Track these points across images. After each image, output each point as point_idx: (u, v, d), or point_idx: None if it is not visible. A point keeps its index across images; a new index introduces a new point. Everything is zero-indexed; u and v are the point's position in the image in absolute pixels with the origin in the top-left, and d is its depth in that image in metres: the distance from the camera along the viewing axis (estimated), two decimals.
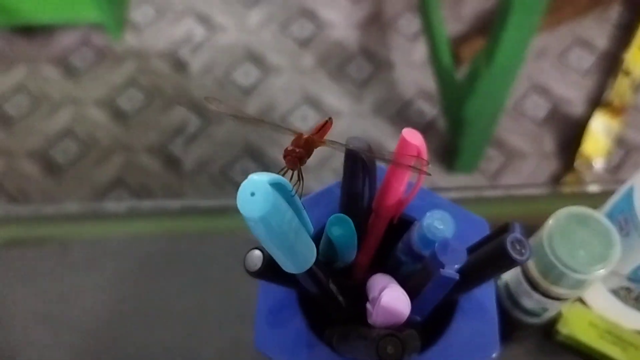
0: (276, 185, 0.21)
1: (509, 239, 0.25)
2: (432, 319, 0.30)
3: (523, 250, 0.25)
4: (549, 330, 0.44)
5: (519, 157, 1.26)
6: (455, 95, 1.19)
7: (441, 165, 1.24)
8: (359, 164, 0.28)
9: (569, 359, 0.44)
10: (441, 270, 0.26)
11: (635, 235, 0.38)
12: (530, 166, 1.25)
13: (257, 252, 0.25)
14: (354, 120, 1.30)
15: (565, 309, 0.44)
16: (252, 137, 1.28)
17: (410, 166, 0.26)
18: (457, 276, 0.26)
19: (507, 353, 0.45)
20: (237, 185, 0.20)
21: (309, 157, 0.24)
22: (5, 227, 0.54)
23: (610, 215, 0.40)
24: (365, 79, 1.35)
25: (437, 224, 0.28)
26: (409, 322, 0.27)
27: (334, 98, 1.33)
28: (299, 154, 0.24)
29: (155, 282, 0.49)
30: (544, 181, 1.23)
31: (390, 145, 1.26)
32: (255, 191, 0.19)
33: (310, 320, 0.31)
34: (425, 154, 0.27)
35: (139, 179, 1.25)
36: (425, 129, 1.29)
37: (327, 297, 0.28)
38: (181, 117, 1.31)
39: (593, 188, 0.56)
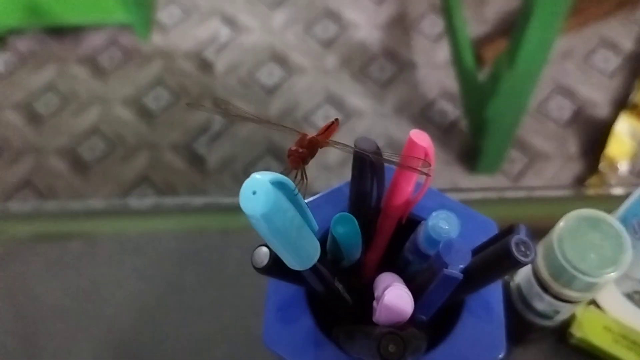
0: (278, 184, 0.21)
1: (514, 240, 0.26)
2: (440, 319, 0.30)
3: (527, 252, 0.26)
4: (562, 333, 0.44)
5: (542, 158, 1.24)
6: (477, 96, 1.18)
7: (463, 166, 1.23)
8: (367, 165, 0.28)
9: None
10: (445, 270, 0.26)
11: None
12: (553, 168, 1.23)
13: (264, 249, 0.25)
14: (376, 121, 1.30)
15: (579, 312, 0.43)
16: (275, 137, 1.29)
17: (414, 168, 0.26)
18: (460, 276, 0.26)
19: (521, 355, 0.45)
20: None
21: (312, 157, 0.25)
22: (33, 222, 0.55)
23: (624, 219, 0.39)
24: (388, 80, 1.35)
25: (442, 224, 0.28)
26: (414, 322, 0.27)
27: (357, 98, 1.33)
28: (302, 154, 0.24)
29: (176, 277, 0.50)
30: (567, 183, 1.21)
31: None
32: (257, 190, 0.20)
33: (318, 319, 0.31)
34: (432, 155, 0.27)
35: (164, 177, 1.27)
36: (448, 129, 1.28)
37: (333, 295, 0.28)
38: (206, 116, 1.32)
39: (615, 191, 0.55)
